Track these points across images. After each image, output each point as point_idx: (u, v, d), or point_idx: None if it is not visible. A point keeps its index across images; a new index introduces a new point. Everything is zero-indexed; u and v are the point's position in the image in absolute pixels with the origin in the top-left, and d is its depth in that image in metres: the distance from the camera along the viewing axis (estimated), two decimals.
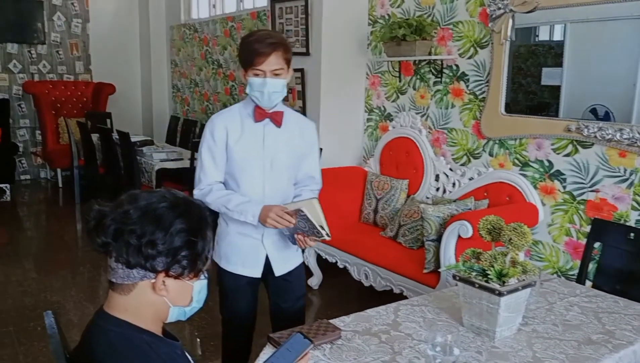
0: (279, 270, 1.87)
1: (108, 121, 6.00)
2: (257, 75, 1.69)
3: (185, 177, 4.19)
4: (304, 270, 1.98)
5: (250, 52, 1.68)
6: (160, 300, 1.03)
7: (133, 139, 4.56)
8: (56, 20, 6.55)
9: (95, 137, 5.05)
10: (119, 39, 6.92)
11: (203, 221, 1.04)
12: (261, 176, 1.78)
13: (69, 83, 6.60)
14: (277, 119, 1.78)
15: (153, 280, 1.01)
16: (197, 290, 1.08)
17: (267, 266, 1.86)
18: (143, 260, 0.98)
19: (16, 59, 6.38)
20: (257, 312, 1.96)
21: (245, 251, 1.84)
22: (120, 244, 0.97)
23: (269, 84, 1.69)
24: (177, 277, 1.02)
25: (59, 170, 6.29)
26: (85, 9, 6.70)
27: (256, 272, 1.86)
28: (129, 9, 6.98)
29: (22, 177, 6.60)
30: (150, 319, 1.04)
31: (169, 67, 6.92)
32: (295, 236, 1.75)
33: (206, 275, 1.09)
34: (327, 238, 1.70)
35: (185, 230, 1.00)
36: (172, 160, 4.44)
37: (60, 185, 6.29)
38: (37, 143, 6.58)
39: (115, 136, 4.75)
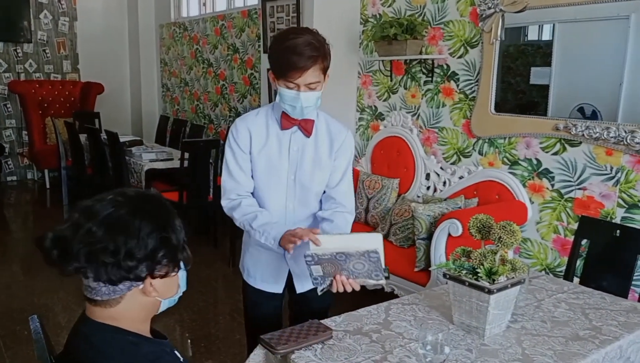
0: (300, 287, 1.71)
1: (96, 121, 5.94)
2: (289, 87, 1.51)
3: (175, 177, 4.17)
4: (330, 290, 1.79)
5: (285, 64, 1.48)
6: (151, 300, 1.03)
7: (122, 139, 4.53)
8: (43, 18, 6.47)
9: (83, 137, 5.00)
10: (107, 38, 6.86)
11: (166, 213, 1.02)
12: (284, 189, 1.62)
13: (56, 82, 6.53)
14: (306, 128, 1.59)
15: (141, 286, 1.00)
16: (181, 277, 1.09)
17: (290, 281, 1.72)
18: (126, 273, 0.96)
19: (1, 58, 6.30)
20: (281, 325, 1.79)
21: (266, 265, 1.70)
22: (97, 265, 0.94)
23: (303, 99, 1.51)
24: (162, 277, 1.01)
25: (46, 171, 6.22)
26: (73, 7, 6.63)
27: (277, 288, 1.72)
28: (118, 7, 6.92)
29: (9, 178, 6.52)
30: (140, 320, 1.04)
31: (159, 66, 6.87)
32: (337, 277, 1.46)
33: (186, 265, 1.08)
34: (385, 281, 1.47)
35: (155, 229, 0.97)
36: (161, 160, 4.40)
37: (48, 186, 6.22)
38: (24, 144, 6.51)
39: (103, 136, 4.71)
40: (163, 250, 0.98)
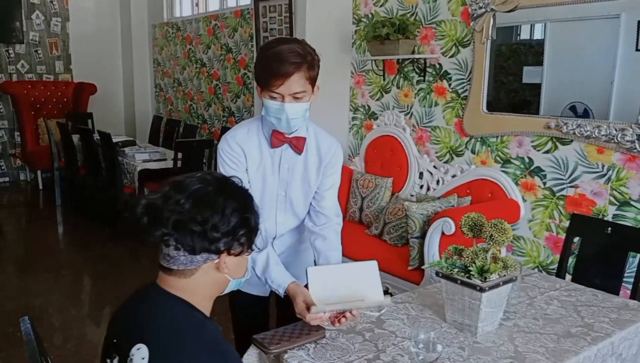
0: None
1: (89, 121, 5.92)
2: (273, 98, 1.43)
3: (168, 178, 4.15)
4: None
5: (267, 73, 1.41)
6: (222, 277, 1.09)
7: (115, 139, 4.51)
8: (35, 19, 6.43)
9: (76, 138, 4.97)
10: (100, 38, 6.82)
11: (247, 196, 1.10)
12: (275, 204, 1.60)
13: (49, 83, 6.49)
14: (298, 145, 1.54)
15: (216, 261, 1.06)
16: (250, 261, 1.18)
17: None
18: (208, 244, 1.02)
19: None
20: (268, 326, 1.79)
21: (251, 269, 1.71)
22: (184, 233, 1.01)
23: (288, 110, 1.43)
24: (237, 255, 1.08)
25: (39, 172, 6.18)
26: (65, 8, 6.60)
27: (263, 291, 1.71)
28: (110, 7, 6.89)
29: (1, 179, 6.47)
30: (208, 296, 1.09)
31: (152, 66, 6.85)
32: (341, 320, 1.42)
33: (258, 248, 1.17)
34: (389, 299, 1.45)
35: (238, 209, 1.05)
36: (155, 160, 4.39)
37: (41, 187, 6.19)
38: (16, 145, 6.46)
39: (96, 136, 4.69)
40: (243, 229, 1.06)
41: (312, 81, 1.46)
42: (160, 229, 1.01)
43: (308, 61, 1.43)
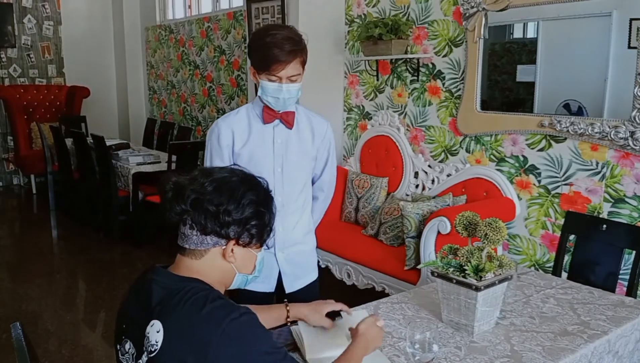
0: (290, 287, 1.75)
1: (82, 125, 5.89)
2: (271, 80, 1.58)
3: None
4: (317, 287, 1.85)
5: (268, 58, 1.54)
6: (228, 266, 1.12)
7: (108, 142, 4.48)
8: (27, 22, 6.39)
9: (69, 141, 4.94)
10: (92, 41, 6.79)
11: (269, 196, 1.15)
12: (272, 182, 1.61)
13: (41, 87, 6.45)
14: (288, 120, 1.65)
15: (224, 247, 1.10)
16: (259, 259, 1.18)
17: (280, 281, 1.75)
18: (218, 227, 1.07)
19: None
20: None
21: None
22: (199, 211, 1.06)
23: (285, 91, 1.58)
24: (245, 245, 1.11)
25: (32, 176, 6.15)
26: (57, 11, 6.56)
27: (268, 287, 1.73)
28: (102, 11, 6.86)
29: None
30: (217, 282, 1.11)
31: (145, 69, 6.82)
32: None
33: (268, 246, 1.18)
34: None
35: (255, 201, 1.10)
36: (149, 163, 4.37)
37: (34, 191, 6.15)
38: (9, 149, 6.42)
39: (89, 140, 4.66)
40: (255, 221, 1.10)
41: (304, 64, 1.62)
42: (180, 205, 1.07)
43: (301, 48, 1.58)
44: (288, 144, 1.68)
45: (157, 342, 0.99)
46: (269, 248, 1.20)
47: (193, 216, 1.07)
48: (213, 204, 1.06)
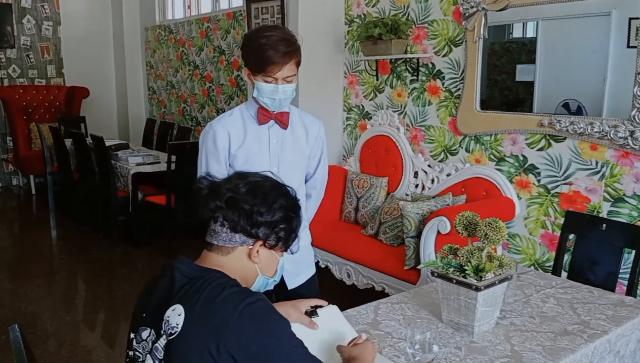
0: (291, 283, 1.79)
1: (82, 125, 5.89)
2: (267, 81, 1.60)
3: (163, 181, 4.13)
4: (316, 281, 1.89)
5: (263, 60, 1.56)
6: (251, 266, 1.16)
7: (108, 143, 4.48)
8: (26, 23, 6.39)
9: (68, 142, 4.94)
10: (92, 42, 6.78)
11: (297, 204, 1.20)
12: None
13: (41, 87, 6.44)
14: (282, 120, 1.68)
15: (250, 247, 1.14)
16: (280, 264, 1.22)
17: (281, 278, 1.77)
18: (249, 226, 1.12)
19: None
20: None
21: None
22: (233, 209, 1.11)
23: (281, 92, 1.61)
24: (271, 247, 1.16)
25: (31, 177, 6.14)
26: (56, 12, 6.55)
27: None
28: (102, 11, 6.85)
29: None
30: (239, 280, 1.12)
31: (145, 69, 6.82)
32: None
33: (292, 251, 1.23)
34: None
35: (285, 207, 1.15)
36: (148, 164, 4.36)
37: (34, 192, 6.14)
38: (9, 150, 6.41)
39: (89, 140, 4.66)
40: (284, 225, 1.15)
41: (298, 65, 1.64)
42: (215, 201, 1.12)
43: (297, 48, 1.60)
44: (283, 144, 1.70)
45: (177, 325, 1.01)
46: (292, 254, 1.24)
47: (226, 214, 1.12)
48: (247, 203, 1.11)
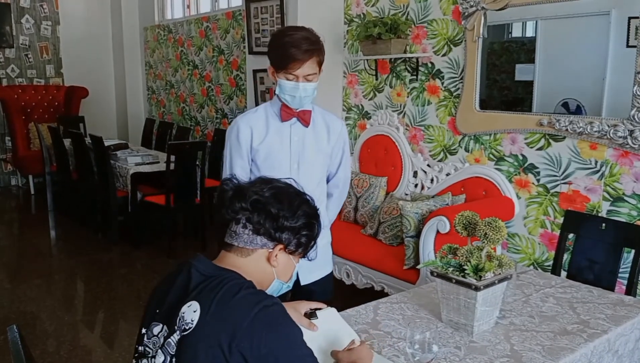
0: (305, 279, 1.81)
1: (81, 125, 5.87)
2: (289, 79, 1.65)
3: (162, 180, 4.13)
4: (331, 280, 1.92)
5: (286, 57, 1.62)
6: (269, 269, 1.17)
7: (107, 143, 4.47)
8: (24, 23, 6.38)
9: (67, 142, 4.93)
10: (91, 41, 6.78)
11: (317, 212, 1.22)
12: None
13: (39, 87, 6.43)
14: (304, 118, 1.73)
15: (270, 250, 1.15)
16: (296, 270, 1.24)
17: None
18: (273, 230, 1.13)
19: None
20: None
21: None
22: (259, 212, 1.13)
23: (301, 89, 1.65)
24: (291, 253, 1.17)
25: (30, 177, 6.13)
26: (55, 11, 6.55)
27: None
28: (101, 11, 6.84)
29: None
30: (255, 283, 1.13)
31: (144, 68, 6.81)
32: None
33: (310, 258, 1.24)
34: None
35: (308, 214, 1.17)
36: (147, 163, 4.36)
37: (33, 192, 6.14)
38: (7, 150, 6.41)
39: (88, 140, 4.65)
40: (306, 232, 1.17)
41: (320, 64, 1.68)
42: (240, 203, 1.13)
43: (318, 48, 1.65)
44: (304, 141, 1.74)
45: (192, 321, 1.02)
46: (310, 260, 1.25)
47: (250, 216, 1.13)
48: (274, 207, 1.13)
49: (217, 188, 1.28)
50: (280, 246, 1.15)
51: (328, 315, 1.43)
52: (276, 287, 1.21)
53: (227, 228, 1.16)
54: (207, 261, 1.13)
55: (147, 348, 1.08)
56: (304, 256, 1.23)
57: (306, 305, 1.43)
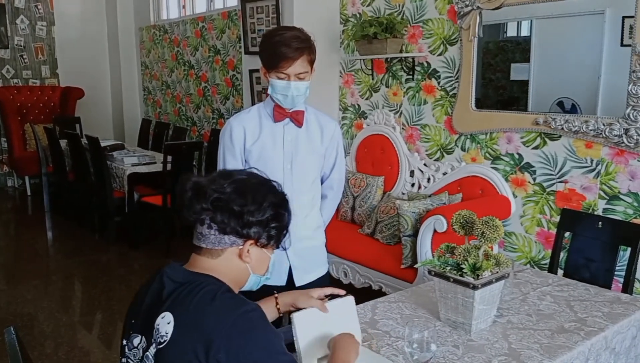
0: (300, 280, 1.79)
1: (77, 126, 5.85)
2: (280, 78, 1.65)
3: (159, 181, 4.12)
4: (328, 281, 1.89)
5: (276, 56, 1.62)
6: (243, 266, 1.13)
7: (103, 143, 4.46)
8: (19, 23, 6.35)
9: (63, 143, 4.92)
10: (86, 42, 6.75)
11: (285, 199, 1.17)
12: (281, 178, 1.69)
13: (35, 88, 6.41)
14: (297, 118, 1.72)
15: (241, 247, 1.11)
16: (272, 261, 1.20)
17: (290, 275, 1.79)
18: (240, 227, 1.08)
19: None
20: (281, 319, 1.83)
21: None
22: (222, 211, 1.07)
23: (293, 88, 1.65)
24: (262, 246, 1.13)
25: (26, 178, 6.11)
26: (50, 12, 6.52)
27: (279, 281, 1.75)
28: (96, 11, 6.82)
29: None
30: (233, 282, 1.11)
31: (139, 69, 6.79)
32: None
33: (284, 247, 1.20)
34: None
35: (275, 204, 1.12)
36: (144, 164, 4.35)
37: (29, 193, 6.12)
38: (3, 151, 6.38)
39: (84, 141, 4.64)
40: (275, 223, 1.12)
41: (312, 63, 1.68)
42: (200, 204, 1.07)
43: (308, 46, 1.65)
44: (297, 142, 1.74)
45: (167, 333, 1.00)
46: (285, 249, 1.23)
47: (213, 216, 1.08)
48: (237, 204, 1.07)
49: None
50: (250, 241, 1.11)
51: (344, 304, 1.38)
52: (254, 282, 1.18)
53: (193, 229, 1.11)
54: (179, 267, 1.10)
55: (129, 360, 1.07)
56: (277, 247, 1.18)
57: (320, 291, 1.40)
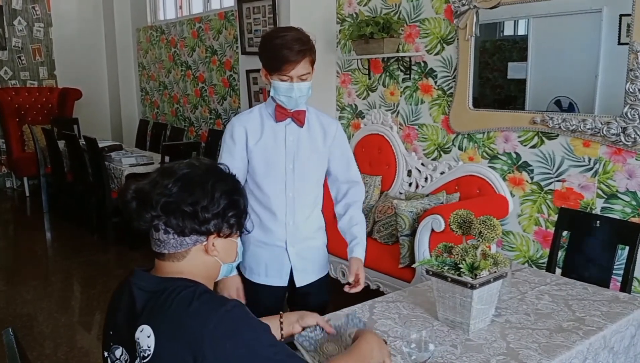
0: (300, 281, 1.79)
1: (75, 127, 5.85)
2: (283, 80, 1.65)
3: None
4: (328, 283, 1.90)
5: (278, 59, 1.61)
6: (212, 260, 1.09)
7: (101, 144, 4.46)
8: (17, 25, 6.34)
9: (61, 144, 4.91)
10: (83, 43, 6.75)
11: (236, 181, 1.12)
12: (283, 178, 1.71)
13: (33, 89, 6.40)
14: (299, 118, 1.72)
15: (205, 243, 1.07)
16: (239, 245, 1.16)
17: (292, 275, 1.79)
18: (198, 226, 1.03)
19: None
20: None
21: (270, 261, 1.77)
22: (175, 214, 1.02)
23: (296, 89, 1.65)
24: (226, 236, 1.09)
25: (25, 179, 6.11)
26: (47, 13, 6.51)
27: (281, 281, 1.78)
28: (93, 12, 6.81)
29: None
30: (203, 279, 1.08)
31: (137, 70, 6.79)
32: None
33: (248, 230, 1.17)
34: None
35: (227, 191, 1.06)
36: (142, 164, 4.35)
37: (28, 194, 6.11)
38: (2, 152, 6.37)
39: (82, 142, 4.63)
40: (232, 211, 1.07)
41: (313, 63, 1.68)
42: (149, 212, 1.02)
43: (309, 47, 1.64)
44: (299, 142, 1.73)
45: (149, 347, 0.97)
46: (249, 232, 1.21)
47: (167, 221, 1.02)
48: (188, 204, 1.02)
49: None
50: (213, 235, 1.07)
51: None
52: (226, 270, 1.15)
53: (148, 236, 1.06)
54: (146, 275, 1.06)
55: None
56: (241, 233, 1.14)
57: (312, 319, 1.36)
